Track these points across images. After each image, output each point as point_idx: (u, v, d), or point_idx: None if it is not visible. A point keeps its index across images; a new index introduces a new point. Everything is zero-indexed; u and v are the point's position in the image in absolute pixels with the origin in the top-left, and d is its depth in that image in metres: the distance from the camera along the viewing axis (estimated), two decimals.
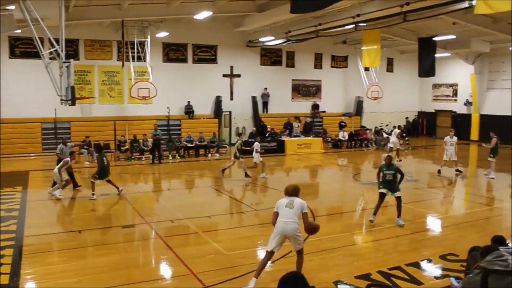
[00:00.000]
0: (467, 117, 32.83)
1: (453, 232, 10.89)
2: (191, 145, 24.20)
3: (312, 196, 15.71)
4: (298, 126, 28.12)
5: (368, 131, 29.88)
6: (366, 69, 28.68)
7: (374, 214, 11.50)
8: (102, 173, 14.48)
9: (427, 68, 25.36)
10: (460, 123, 33.56)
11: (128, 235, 10.72)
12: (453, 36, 25.67)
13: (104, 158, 14.58)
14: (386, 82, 31.70)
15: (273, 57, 29.57)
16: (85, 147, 22.04)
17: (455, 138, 19.39)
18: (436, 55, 25.37)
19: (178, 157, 23.28)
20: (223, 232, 10.99)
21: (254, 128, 27.02)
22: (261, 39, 26.33)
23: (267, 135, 26.71)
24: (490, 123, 29.40)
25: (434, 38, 24.77)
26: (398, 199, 11.47)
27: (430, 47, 24.91)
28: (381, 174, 11.66)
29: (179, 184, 16.41)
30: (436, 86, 35.55)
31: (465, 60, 31.75)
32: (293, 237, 7.62)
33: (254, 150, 18.39)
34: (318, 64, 31.21)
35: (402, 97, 34.98)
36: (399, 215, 11.42)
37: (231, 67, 28.10)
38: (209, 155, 24.24)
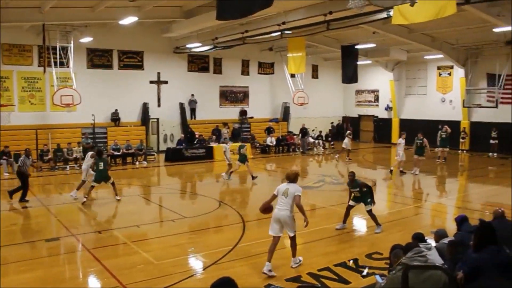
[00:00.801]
0: (388, 121, 34.41)
1: (379, 235, 11.31)
2: (118, 153, 23.59)
3: (242, 202, 15.76)
4: (227, 132, 28.15)
5: (295, 136, 30.48)
6: (292, 75, 29.29)
7: (343, 222, 11.60)
8: (97, 176, 14.75)
9: (350, 75, 26.28)
10: (382, 127, 35.14)
11: (53, 249, 10.24)
12: (373, 45, 26.85)
13: (101, 163, 14.73)
14: (311, 88, 32.53)
15: (201, 64, 29.46)
16: (4, 157, 20.82)
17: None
18: (358, 63, 26.39)
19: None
20: (153, 241, 10.78)
21: (182, 135, 26.76)
22: (188, 46, 26.15)
23: (195, 141, 26.53)
24: (409, 126, 31.02)
25: (356, 46, 25.76)
26: (369, 213, 11.36)
27: (352, 55, 25.87)
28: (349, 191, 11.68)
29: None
30: (358, 92, 36.97)
31: (385, 68, 33.33)
32: (285, 222, 8.65)
33: (224, 152, 19.21)
34: (245, 71, 31.47)
35: (327, 103, 36.05)
36: (377, 224, 11.35)
37: (158, 73, 27.69)
38: (137, 163, 23.73)
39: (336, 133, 35.59)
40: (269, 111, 32.85)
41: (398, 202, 13.82)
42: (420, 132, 21.48)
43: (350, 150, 25.04)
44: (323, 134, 33.36)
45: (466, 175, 21.79)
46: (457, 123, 29.40)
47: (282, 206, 8.68)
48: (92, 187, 14.75)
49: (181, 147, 25.40)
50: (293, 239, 8.84)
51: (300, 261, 9.12)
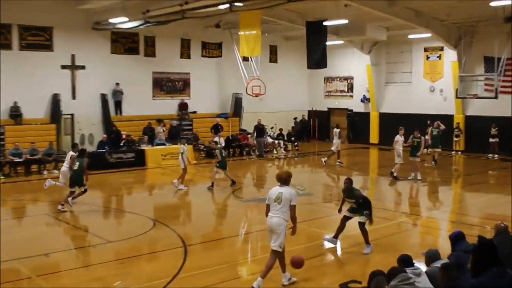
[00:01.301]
0: (365, 116, 35.07)
1: (354, 255, 11.47)
2: (20, 159, 23.05)
3: (183, 220, 15.66)
4: (163, 131, 27.93)
5: (249, 136, 30.57)
6: (245, 59, 29.32)
7: (335, 237, 11.87)
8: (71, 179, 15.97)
9: (317, 58, 26.55)
10: (357, 123, 35.75)
11: None
12: (345, 21, 27.20)
13: (77, 163, 15.82)
14: (269, 75, 32.68)
15: (128, 44, 29.09)
16: None
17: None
18: (327, 43, 26.71)
19: (2, 177, 21.98)
20: (67, 274, 10.54)
21: (105, 136, 26.34)
22: (111, 21, 25.78)
23: (122, 143, 26.19)
24: (390, 122, 31.71)
25: (325, 23, 26.04)
26: (360, 226, 11.58)
27: (320, 33, 26.14)
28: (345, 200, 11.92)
29: (3, 213, 15.44)
30: (328, 79, 37.49)
31: (361, 49, 33.96)
32: (275, 231, 9.17)
33: (182, 153, 19.56)
34: (185, 53, 31.31)
35: (289, 93, 36.37)
36: (366, 242, 11.60)
37: (73, 56, 27.18)
38: (45, 172, 23.22)
39: (301, 131, 35.99)
40: (216, 105, 32.80)
41: (380, 216, 14.04)
42: (416, 129, 22.36)
43: (339, 151, 26.03)
44: (285, 132, 33.63)
45: (461, 182, 22.45)
46: (450, 117, 30.28)
47: (274, 214, 9.25)
48: (71, 192, 15.91)
49: (104, 150, 25.01)
50: (275, 254, 9.28)
51: (291, 278, 9.55)
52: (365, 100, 35.37)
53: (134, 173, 23.68)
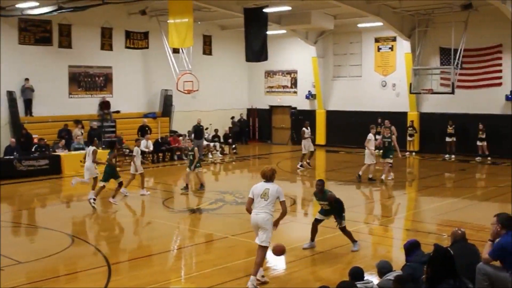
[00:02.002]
0: (310, 115, 35.45)
1: (300, 269, 11.63)
2: None
3: (107, 236, 15.50)
4: (81, 134, 27.54)
5: (181, 138, 30.48)
6: (175, 51, 29.24)
7: (311, 240, 12.64)
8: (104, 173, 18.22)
9: (257, 50, 26.77)
10: (303, 122, 36.06)
11: None
12: (288, 8, 27.59)
13: (108, 156, 18.36)
14: (203, 69, 32.71)
15: (39, 33, 28.53)
16: None
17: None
18: (268, 32, 26.97)
19: None
20: None
21: (13, 140, 25.76)
22: (19, 5, 25.30)
23: (33, 148, 25.69)
24: (338, 121, 32.31)
25: (265, 10, 26.31)
26: (342, 230, 12.57)
27: (259, 22, 26.38)
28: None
29: None
30: (269, 74, 37.81)
31: (305, 40, 34.39)
32: (262, 227, 10.11)
33: (135, 156, 20.09)
34: (106, 44, 30.97)
35: (225, 90, 36.49)
36: (353, 241, 12.57)
37: None
38: None
39: (239, 132, 36.10)
40: (143, 103, 32.55)
41: (328, 225, 14.28)
42: (385, 127, 23.55)
43: (313, 152, 27.07)
44: (221, 134, 33.72)
45: (416, 186, 23.04)
46: (403, 115, 31.07)
47: (260, 210, 10.20)
48: (102, 187, 17.97)
49: (12, 157, 24.47)
50: (263, 249, 10.22)
51: (263, 277, 10.53)
52: (310, 96, 35.84)
53: (49, 183, 23.25)
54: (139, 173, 20.12)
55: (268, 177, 10.39)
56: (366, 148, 22.55)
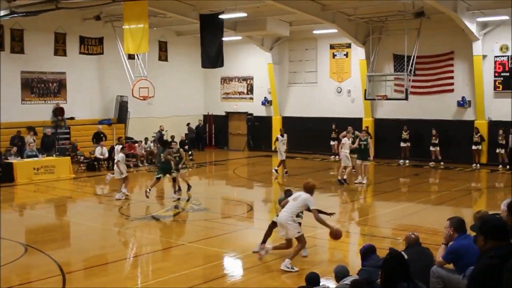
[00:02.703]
0: (266, 121, 35.67)
1: (255, 276, 11.64)
2: None
3: (61, 244, 15.30)
4: (34, 141, 27.14)
5: (137, 144, 30.28)
6: (131, 57, 29.08)
7: (263, 243, 12.55)
8: (160, 168, 20.59)
9: (212, 56, 26.77)
10: (259, 128, 36.26)
11: None
12: (243, 14, 27.65)
13: (162, 154, 20.62)
14: (159, 75, 32.61)
15: None
16: None
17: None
18: (224, 39, 26.99)
19: None
20: None
21: None
22: None
23: None
24: (294, 127, 32.47)
25: (221, 16, 26.33)
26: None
27: (215, 28, 26.39)
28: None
29: None
30: (225, 80, 37.83)
31: (261, 46, 34.52)
32: (284, 226, 11.66)
33: (118, 162, 20.36)
34: (60, 49, 30.60)
35: (181, 96, 36.40)
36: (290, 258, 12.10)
37: None
38: None
39: (195, 138, 36.02)
40: (98, 109, 32.25)
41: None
42: (362, 131, 24.28)
43: (284, 161, 26.29)
44: (177, 140, 33.52)
45: (371, 191, 23.30)
46: (358, 121, 31.35)
47: (284, 209, 11.80)
48: (158, 179, 20.19)
49: None
50: (299, 240, 11.70)
51: (290, 268, 11.46)
52: (266, 103, 35.98)
53: (1, 191, 22.84)
54: (124, 176, 20.37)
55: (304, 188, 11.91)
56: (340, 151, 23.38)
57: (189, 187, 21.47)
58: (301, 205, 11.72)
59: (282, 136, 26.07)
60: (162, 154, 20.94)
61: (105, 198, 21.14)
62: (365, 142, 23.33)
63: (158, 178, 20.26)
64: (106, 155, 28.18)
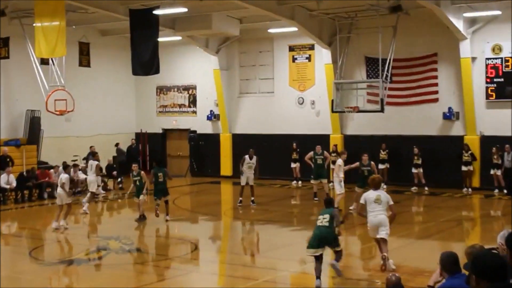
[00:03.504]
0: (213, 139, 35.55)
1: None
2: None
3: None
4: None
5: (52, 171, 29.83)
6: (44, 61, 28.69)
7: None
8: (156, 191, 22.29)
9: (146, 61, 26.59)
10: (204, 149, 36.09)
11: None
12: (183, 10, 27.57)
13: (160, 174, 22.33)
14: (80, 84, 32.28)
15: None
16: None
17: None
18: (160, 39, 26.86)
19: None
20: None
21: None
22: None
23: None
24: (247, 147, 32.32)
25: (155, 12, 26.20)
26: None
27: (149, 26, 26.24)
28: None
29: None
30: (162, 90, 37.65)
31: (205, 49, 34.42)
32: (384, 224, 14.70)
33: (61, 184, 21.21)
34: None
35: (108, 110, 36.07)
36: None
37: None
38: None
39: (126, 161, 35.55)
40: (3, 127, 31.66)
41: (238, 275, 14.23)
42: (365, 153, 24.39)
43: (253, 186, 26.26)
44: (104, 164, 33.16)
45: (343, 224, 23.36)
46: (325, 138, 31.40)
47: (377, 213, 14.75)
48: (157, 204, 21.97)
49: None
50: (385, 241, 14.77)
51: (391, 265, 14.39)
52: (213, 117, 35.86)
53: None
54: (66, 203, 21.02)
55: (376, 185, 15.10)
56: (334, 176, 23.86)
57: (143, 216, 22.65)
58: (387, 201, 14.87)
59: (251, 158, 25.87)
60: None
61: (12, 238, 20.75)
62: (368, 168, 23.52)
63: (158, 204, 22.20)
64: (14, 184, 27.69)
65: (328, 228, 13.89)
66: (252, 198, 25.67)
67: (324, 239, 13.87)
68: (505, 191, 27.34)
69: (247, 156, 25.99)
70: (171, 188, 30.16)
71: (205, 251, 19.05)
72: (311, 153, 26.24)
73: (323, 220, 14.06)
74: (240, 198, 25.67)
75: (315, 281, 13.75)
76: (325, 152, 26.43)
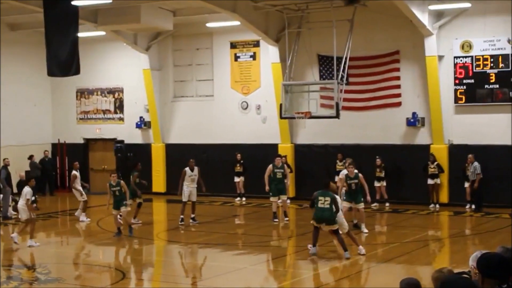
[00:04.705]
0: (144, 151, 35.37)
1: None
2: None
3: None
4: None
5: None
6: None
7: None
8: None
9: (64, 60, 26.33)
10: (133, 161, 35.87)
11: None
12: (107, 0, 27.42)
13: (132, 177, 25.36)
14: None
15: None
16: None
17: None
18: (80, 35, 26.67)
19: None
20: None
21: None
22: None
23: None
24: (183, 159, 32.25)
25: (74, 2, 26.02)
26: None
27: (67, 19, 26.03)
28: None
29: None
30: (84, 93, 37.39)
31: (134, 45, 34.26)
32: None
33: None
34: None
35: (19, 117, 35.68)
36: None
37: None
38: None
39: (41, 177, 35.18)
40: None
41: None
42: (350, 162, 24.32)
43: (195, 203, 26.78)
44: (14, 180, 32.75)
45: (292, 245, 23.45)
46: (272, 148, 31.43)
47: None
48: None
49: None
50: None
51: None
52: (143, 125, 35.71)
53: None
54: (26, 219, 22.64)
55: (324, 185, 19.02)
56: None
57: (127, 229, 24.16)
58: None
59: (192, 170, 26.26)
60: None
61: None
62: (356, 180, 23.58)
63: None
64: None
65: (330, 211, 19.00)
66: (193, 216, 26.22)
67: (326, 220, 19.12)
68: (473, 206, 27.84)
69: (187, 169, 26.24)
70: (94, 208, 30.17)
71: (135, 280, 18.97)
72: (270, 167, 26.25)
73: (324, 202, 19.06)
74: (182, 216, 26.04)
75: (311, 248, 19.36)
76: (285, 165, 26.59)
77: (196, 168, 26.44)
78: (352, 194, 23.50)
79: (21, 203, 23.23)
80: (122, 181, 24.36)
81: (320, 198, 19.06)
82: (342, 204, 22.78)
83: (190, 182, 25.99)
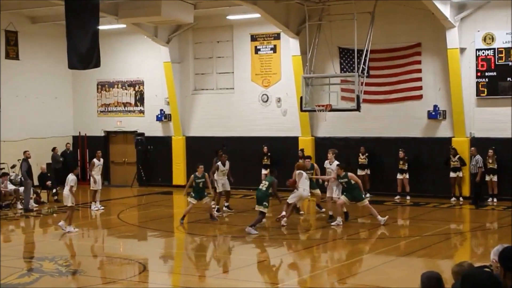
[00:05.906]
0: (164, 144, 35.47)
1: None
2: None
3: None
4: None
5: None
6: None
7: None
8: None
9: (84, 53, 26.38)
10: (154, 154, 35.88)
11: None
12: None
13: (267, 182, 23.44)
14: (6, 79, 32.03)
15: None
16: None
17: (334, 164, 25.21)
18: (100, 28, 26.72)
19: None
20: None
21: None
22: None
23: None
24: (203, 152, 32.29)
25: None
26: None
27: (87, 12, 26.08)
28: None
29: None
30: (104, 86, 37.44)
31: (154, 38, 34.26)
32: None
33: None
34: None
35: (40, 110, 35.82)
36: None
37: None
38: None
39: (62, 169, 35.29)
40: None
41: None
42: (338, 165, 24.36)
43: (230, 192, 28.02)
44: (36, 173, 32.91)
45: (311, 238, 23.39)
46: (293, 141, 31.42)
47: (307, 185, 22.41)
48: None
49: None
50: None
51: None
52: (163, 118, 35.74)
53: None
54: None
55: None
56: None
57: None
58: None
59: (224, 164, 27.17)
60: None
61: None
62: (346, 179, 23.60)
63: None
64: None
65: (264, 192, 22.34)
66: (227, 204, 27.55)
67: (259, 198, 22.40)
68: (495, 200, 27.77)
69: (220, 163, 27.04)
70: (115, 201, 30.21)
71: (155, 272, 18.98)
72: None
73: (263, 185, 22.55)
74: (218, 206, 26.94)
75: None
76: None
77: (227, 163, 27.39)
78: (348, 191, 23.54)
79: (66, 190, 24.10)
80: (206, 174, 25.22)
81: (263, 181, 23.20)
82: (341, 198, 23.75)
83: (222, 176, 26.93)
